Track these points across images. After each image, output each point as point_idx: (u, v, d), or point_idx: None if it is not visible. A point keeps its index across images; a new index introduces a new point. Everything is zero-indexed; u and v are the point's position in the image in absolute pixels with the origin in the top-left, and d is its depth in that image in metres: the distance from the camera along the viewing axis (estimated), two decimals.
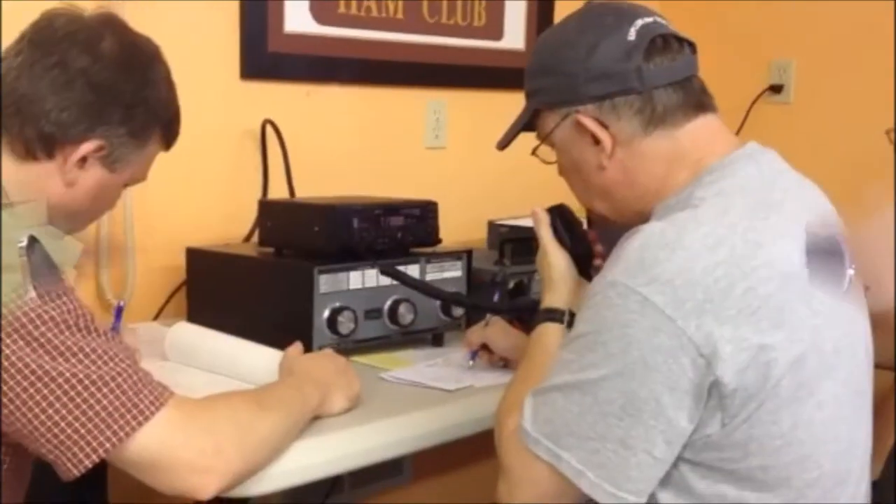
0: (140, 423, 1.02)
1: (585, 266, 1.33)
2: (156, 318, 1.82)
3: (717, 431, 1.01)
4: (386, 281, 1.59)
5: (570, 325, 1.25)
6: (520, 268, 1.80)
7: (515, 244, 1.86)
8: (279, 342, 1.44)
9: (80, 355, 1.02)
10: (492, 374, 1.52)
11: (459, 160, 2.33)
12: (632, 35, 1.12)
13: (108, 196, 1.26)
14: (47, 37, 1.18)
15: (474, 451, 1.58)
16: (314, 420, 1.25)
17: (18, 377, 1.00)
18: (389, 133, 2.20)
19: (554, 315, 1.26)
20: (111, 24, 1.21)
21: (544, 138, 1.22)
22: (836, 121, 2.41)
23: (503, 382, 1.44)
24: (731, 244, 1.02)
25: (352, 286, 1.57)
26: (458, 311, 1.70)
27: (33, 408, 1.01)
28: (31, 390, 1.00)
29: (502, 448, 1.11)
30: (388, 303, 1.61)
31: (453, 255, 1.73)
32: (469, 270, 1.75)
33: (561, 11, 2.42)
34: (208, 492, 1.05)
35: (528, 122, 1.24)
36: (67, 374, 1.00)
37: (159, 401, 1.04)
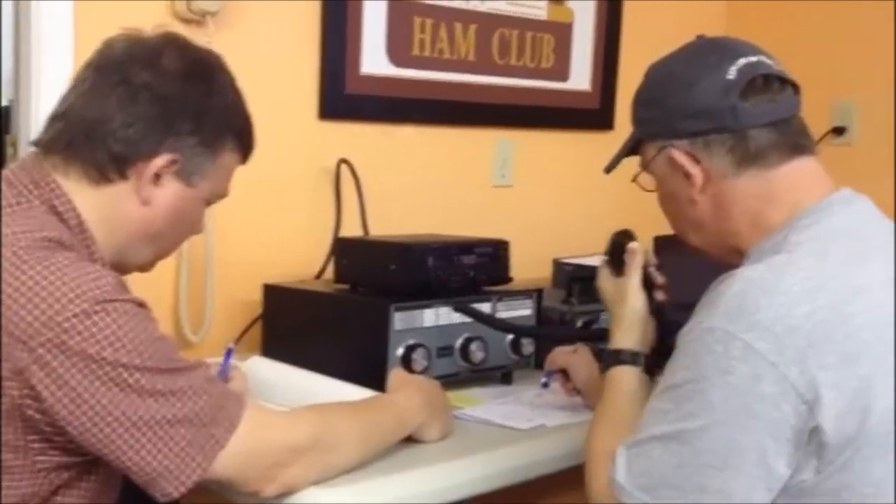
0: (217, 452, 1.09)
1: (648, 300, 1.33)
2: None
3: (811, 477, 1.01)
4: (458, 318, 1.61)
5: (647, 369, 1.26)
6: (587, 306, 1.81)
7: (583, 283, 1.86)
8: (353, 378, 1.47)
9: (168, 395, 1.07)
10: (563, 413, 1.53)
11: (524, 198, 2.35)
12: (731, 74, 1.13)
13: (190, 215, 1.25)
14: (108, 59, 1.19)
15: (536, 491, 1.58)
16: (388, 461, 1.28)
17: (114, 423, 1.05)
18: (459, 172, 2.23)
19: (633, 358, 1.26)
20: (171, 41, 1.21)
21: (645, 167, 1.23)
22: None
23: (575, 422, 1.47)
24: (830, 289, 1.02)
25: (426, 323, 1.60)
26: (528, 350, 1.71)
27: (126, 451, 1.06)
28: (126, 435, 1.06)
29: (595, 502, 1.11)
30: (460, 340, 1.63)
31: (524, 293, 1.74)
32: (539, 309, 1.77)
33: (626, 54, 2.46)
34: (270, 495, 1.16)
35: (633, 148, 1.25)
36: (157, 416, 1.06)
37: (233, 426, 1.11)
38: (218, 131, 1.22)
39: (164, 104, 1.17)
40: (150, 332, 1.09)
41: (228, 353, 1.44)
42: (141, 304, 1.11)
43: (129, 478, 1.10)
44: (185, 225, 1.26)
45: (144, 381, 1.06)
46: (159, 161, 1.17)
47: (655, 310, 1.33)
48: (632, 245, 1.34)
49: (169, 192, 1.20)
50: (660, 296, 1.35)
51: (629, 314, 1.30)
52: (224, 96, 1.23)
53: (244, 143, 1.27)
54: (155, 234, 1.22)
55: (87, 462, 1.11)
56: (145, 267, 1.28)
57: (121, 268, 1.20)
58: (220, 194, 1.28)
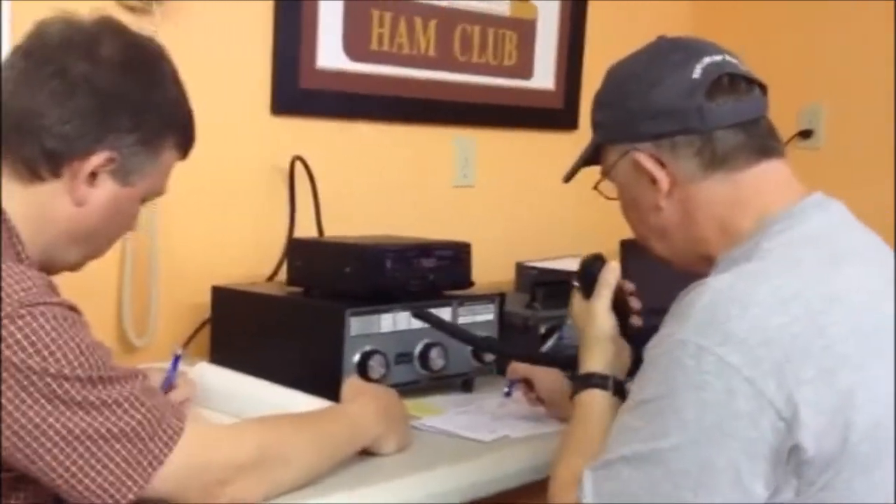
0: (155, 468, 1.03)
1: (623, 326, 1.28)
2: None
3: (791, 499, 0.96)
4: (417, 324, 1.55)
5: (616, 392, 1.21)
6: (551, 312, 1.76)
7: (548, 288, 1.82)
8: (305, 386, 1.41)
9: (102, 407, 1.01)
10: (527, 424, 1.48)
11: (486, 199, 2.30)
12: (697, 73, 1.09)
13: (125, 214, 1.18)
14: (42, 45, 1.11)
15: None
16: (341, 476, 1.22)
17: (42, 438, 0.99)
18: (418, 171, 2.18)
19: (602, 381, 1.21)
20: (109, 27, 1.14)
21: (606, 173, 1.19)
22: (866, 166, 2.38)
23: (540, 433, 1.44)
24: (805, 299, 0.97)
25: (383, 329, 1.54)
26: (490, 357, 1.66)
27: (56, 468, 1.00)
28: (55, 450, 0.99)
29: None
30: (419, 347, 1.58)
31: (486, 298, 1.69)
32: (501, 314, 1.72)
33: (591, 52, 2.42)
34: None
35: (593, 155, 1.21)
36: (90, 431, 1.00)
37: (172, 440, 1.05)
38: (159, 128, 1.15)
39: (103, 98, 1.10)
40: (82, 338, 1.02)
41: (176, 359, 1.37)
42: (72, 308, 1.03)
43: (60, 496, 1.03)
44: (118, 224, 1.19)
45: (75, 392, 0.99)
46: (96, 159, 1.11)
47: (632, 336, 1.28)
48: (612, 264, 1.28)
49: (104, 193, 1.13)
50: (636, 321, 1.30)
51: (598, 336, 1.25)
52: (166, 89, 1.17)
53: (185, 139, 1.21)
54: (86, 234, 1.15)
55: (13, 479, 1.04)
56: (75, 267, 1.20)
57: (49, 268, 1.13)
58: (157, 192, 1.22)
